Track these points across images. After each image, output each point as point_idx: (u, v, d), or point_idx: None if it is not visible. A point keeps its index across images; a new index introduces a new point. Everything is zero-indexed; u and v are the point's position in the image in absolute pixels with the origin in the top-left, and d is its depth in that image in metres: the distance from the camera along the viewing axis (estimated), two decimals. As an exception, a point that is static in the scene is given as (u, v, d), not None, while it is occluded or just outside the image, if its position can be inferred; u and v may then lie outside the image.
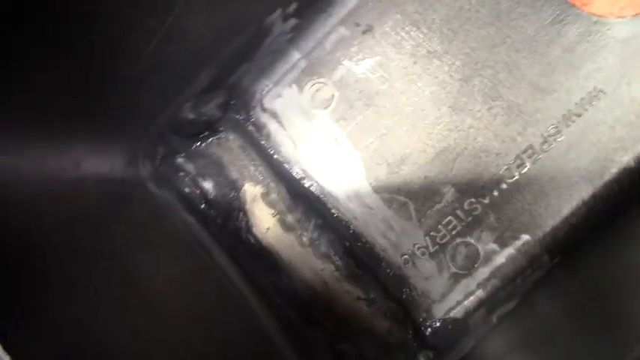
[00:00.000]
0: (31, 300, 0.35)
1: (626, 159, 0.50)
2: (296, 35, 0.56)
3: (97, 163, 0.49)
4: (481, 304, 0.52)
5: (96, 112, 0.45)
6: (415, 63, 0.54)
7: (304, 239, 0.54)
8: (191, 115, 0.55)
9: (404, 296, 0.53)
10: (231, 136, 0.56)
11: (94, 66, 0.42)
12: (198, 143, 0.57)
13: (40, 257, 0.38)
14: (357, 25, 0.55)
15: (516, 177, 0.52)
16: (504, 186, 0.52)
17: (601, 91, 0.51)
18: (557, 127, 0.51)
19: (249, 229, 0.55)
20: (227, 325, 0.49)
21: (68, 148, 0.44)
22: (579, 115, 0.51)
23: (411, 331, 0.52)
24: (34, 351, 0.32)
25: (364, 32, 0.55)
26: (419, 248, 0.53)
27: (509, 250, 0.51)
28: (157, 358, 0.39)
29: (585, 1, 0.51)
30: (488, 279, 0.52)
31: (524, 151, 0.52)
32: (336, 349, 0.53)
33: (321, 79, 0.56)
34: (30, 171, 0.41)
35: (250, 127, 0.56)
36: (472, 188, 0.52)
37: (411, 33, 0.54)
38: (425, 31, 0.54)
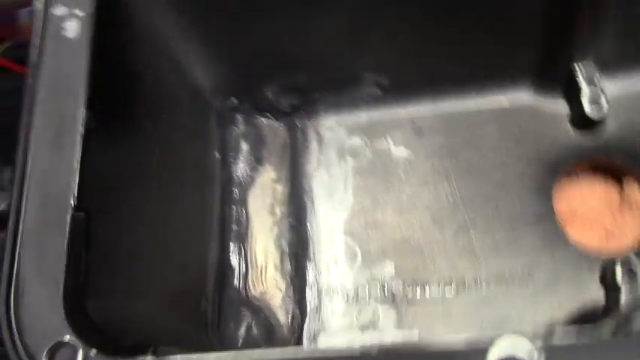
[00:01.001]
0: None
1: None
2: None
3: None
4: None
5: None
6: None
7: (276, 228, 0.67)
8: (270, 96, 0.70)
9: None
10: (282, 128, 0.71)
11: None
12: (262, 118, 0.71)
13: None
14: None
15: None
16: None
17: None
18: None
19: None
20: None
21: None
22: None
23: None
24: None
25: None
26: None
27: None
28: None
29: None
30: None
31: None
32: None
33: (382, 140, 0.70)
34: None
35: (299, 134, 0.71)
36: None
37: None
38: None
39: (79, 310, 0.41)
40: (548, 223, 0.65)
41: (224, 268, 0.64)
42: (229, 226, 0.67)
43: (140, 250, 0.50)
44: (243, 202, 0.68)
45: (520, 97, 0.70)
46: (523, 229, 0.65)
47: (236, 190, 0.68)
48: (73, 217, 0.42)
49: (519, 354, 0.36)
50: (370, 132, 0.71)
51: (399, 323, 0.63)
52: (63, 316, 0.40)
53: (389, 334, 0.63)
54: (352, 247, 0.67)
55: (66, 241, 0.41)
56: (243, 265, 0.66)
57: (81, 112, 0.44)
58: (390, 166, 0.69)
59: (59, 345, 0.39)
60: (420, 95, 0.70)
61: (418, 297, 0.64)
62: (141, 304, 0.49)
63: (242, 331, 0.62)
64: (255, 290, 0.65)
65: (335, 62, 0.66)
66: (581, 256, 0.63)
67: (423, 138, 0.70)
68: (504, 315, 0.62)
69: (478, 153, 0.68)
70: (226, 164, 0.68)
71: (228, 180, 0.68)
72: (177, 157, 0.58)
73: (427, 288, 0.64)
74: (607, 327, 0.38)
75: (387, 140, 0.70)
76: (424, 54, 0.67)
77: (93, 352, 0.39)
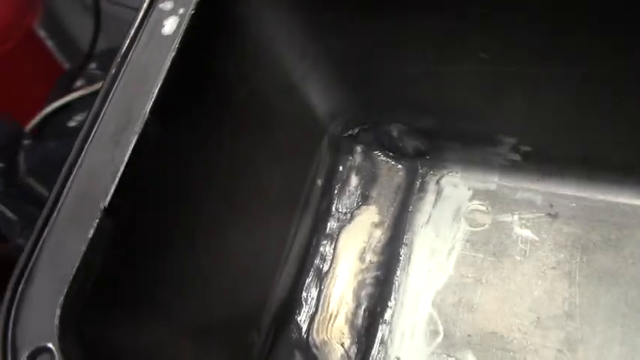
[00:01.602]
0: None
1: None
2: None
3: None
4: None
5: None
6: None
7: (360, 276, 0.61)
8: (394, 134, 0.63)
9: None
10: (401, 171, 0.64)
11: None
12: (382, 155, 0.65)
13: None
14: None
15: None
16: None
17: None
18: None
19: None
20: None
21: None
22: None
23: None
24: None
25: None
26: None
27: None
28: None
29: None
30: None
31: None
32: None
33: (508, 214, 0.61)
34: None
35: (417, 181, 0.64)
36: None
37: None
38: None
39: (74, 322, 0.38)
40: (680, 371, 0.51)
41: (292, 303, 0.60)
42: (312, 260, 0.62)
43: (182, 273, 0.47)
44: (334, 239, 0.63)
45: (692, 207, 0.56)
46: (646, 368, 0.52)
47: (331, 224, 0.63)
48: (100, 221, 0.40)
49: None
50: (497, 201, 0.61)
51: None
52: (56, 323, 0.38)
53: None
54: (436, 323, 0.58)
55: (86, 244, 0.39)
56: (314, 305, 0.60)
57: (144, 114, 0.42)
58: (508, 245, 0.59)
59: (42, 350, 0.37)
60: (566, 175, 0.59)
61: (493, 405, 0.55)
62: (159, 329, 0.45)
63: (288, 375, 0.57)
64: (317, 336, 0.59)
65: (469, 114, 0.58)
66: None
67: (556, 224, 0.59)
68: None
69: (618, 259, 0.56)
70: (328, 194, 0.63)
71: (325, 211, 0.63)
72: (260, 176, 0.55)
73: (506, 398, 0.54)
74: None
75: (513, 215, 0.60)
76: (581, 130, 0.56)
77: (65, 367, 0.36)
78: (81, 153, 0.42)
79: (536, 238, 0.59)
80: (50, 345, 0.37)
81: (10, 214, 0.82)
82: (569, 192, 0.59)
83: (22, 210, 0.82)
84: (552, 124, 0.57)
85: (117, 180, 0.40)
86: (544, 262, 0.58)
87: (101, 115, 0.43)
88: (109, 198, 0.40)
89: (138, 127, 0.42)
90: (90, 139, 0.43)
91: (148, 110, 0.42)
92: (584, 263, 0.57)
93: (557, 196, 0.60)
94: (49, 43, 0.99)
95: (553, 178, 0.60)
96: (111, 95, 0.44)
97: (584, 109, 0.54)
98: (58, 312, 0.38)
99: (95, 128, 0.43)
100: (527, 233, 0.59)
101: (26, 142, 0.86)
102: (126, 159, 0.41)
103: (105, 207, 0.40)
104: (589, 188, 0.59)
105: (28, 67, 0.97)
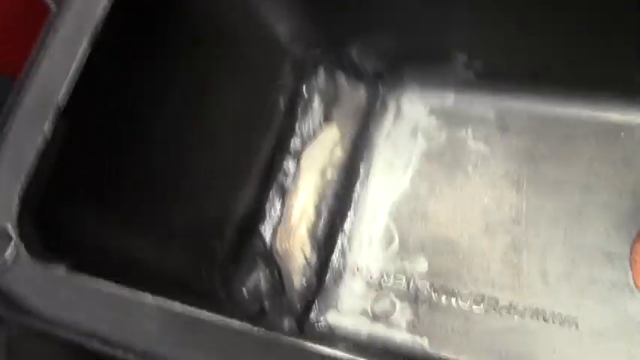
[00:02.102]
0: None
1: None
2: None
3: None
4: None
5: None
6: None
7: (321, 191, 0.64)
8: (355, 54, 0.65)
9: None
10: (362, 91, 0.67)
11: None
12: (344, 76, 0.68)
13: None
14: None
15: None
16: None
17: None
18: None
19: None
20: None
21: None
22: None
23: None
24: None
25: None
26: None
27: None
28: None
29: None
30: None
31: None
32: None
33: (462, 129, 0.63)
34: None
35: (378, 101, 0.66)
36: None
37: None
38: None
39: (32, 208, 0.42)
40: (616, 268, 0.54)
41: (256, 215, 0.63)
42: (275, 176, 0.65)
43: (142, 177, 0.50)
44: (297, 156, 0.65)
45: (636, 118, 0.58)
46: (585, 267, 0.55)
47: (294, 142, 0.66)
48: (56, 119, 0.43)
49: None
50: (452, 117, 0.64)
51: (413, 325, 0.58)
52: (16, 207, 0.41)
53: (398, 333, 0.58)
54: (392, 231, 0.61)
55: (43, 140, 0.42)
56: (276, 217, 0.64)
57: (98, 18, 0.45)
58: (461, 158, 0.62)
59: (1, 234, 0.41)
60: (516, 90, 0.62)
61: (442, 304, 0.58)
62: (121, 225, 0.49)
63: (251, 280, 0.61)
64: (279, 246, 0.63)
65: (424, 31, 0.60)
66: (645, 314, 0.53)
67: (507, 137, 0.61)
68: (530, 354, 0.54)
69: (563, 168, 0.59)
70: (291, 114, 0.66)
71: (288, 130, 0.65)
72: (221, 93, 0.57)
73: (455, 298, 0.57)
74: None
75: (467, 130, 0.63)
76: (530, 45, 0.58)
77: (23, 249, 0.40)
78: (38, 56, 0.45)
79: (488, 150, 0.61)
80: (8, 225, 0.40)
81: None
82: (520, 106, 0.62)
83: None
84: (500, 41, 0.59)
85: (71, 81, 0.43)
86: (494, 172, 0.60)
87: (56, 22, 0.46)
88: (62, 96, 0.43)
89: (91, 31, 0.44)
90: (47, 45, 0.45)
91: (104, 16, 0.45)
92: (532, 173, 0.59)
93: (509, 111, 0.62)
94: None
95: (505, 93, 0.62)
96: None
97: (528, 27, 0.56)
98: (16, 199, 0.41)
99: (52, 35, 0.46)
100: (479, 146, 0.62)
101: None
102: (81, 60, 0.44)
103: (60, 105, 0.43)
104: (539, 102, 0.61)
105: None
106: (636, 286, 0.53)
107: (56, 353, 0.64)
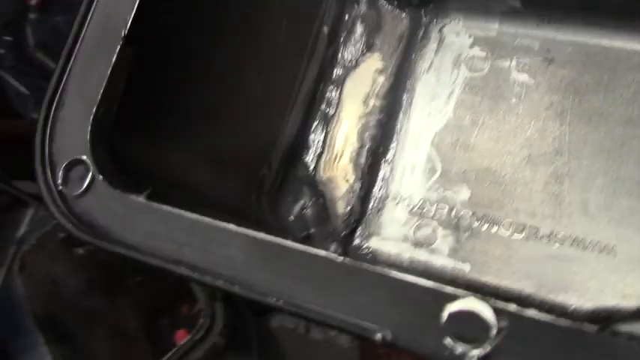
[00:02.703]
0: None
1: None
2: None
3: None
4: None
5: None
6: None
7: (364, 120, 0.65)
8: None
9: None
10: (405, 19, 0.66)
11: None
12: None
13: None
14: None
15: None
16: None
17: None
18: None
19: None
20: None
21: None
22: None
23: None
24: None
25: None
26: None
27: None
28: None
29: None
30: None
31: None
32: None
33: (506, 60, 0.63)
34: None
35: (421, 30, 0.66)
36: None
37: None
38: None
39: (104, 138, 0.43)
40: (655, 200, 0.56)
41: (300, 143, 0.64)
42: (318, 105, 0.65)
43: (199, 105, 0.51)
44: (339, 85, 0.66)
45: (684, 50, 0.58)
46: (625, 198, 0.57)
47: (337, 71, 0.66)
48: (121, 49, 0.43)
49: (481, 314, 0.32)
50: (496, 47, 0.64)
51: (454, 252, 0.60)
52: (87, 137, 0.42)
53: (440, 259, 0.60)
54: (434, 160, 0.63)
55: (109, 69, 0.43)
56: (320, 146, 0.65)
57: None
58: (505, 89, 0.63)
59: (76, 162, 0.42)
60: (564, 20, 0.61)
61: (483, 231, 0.60)
62: (181, 155, 0.50)
63: (297, 207, 0.62)
64: (323, 173, 0.64)
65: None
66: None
67: (552, 68, 0.62)
68: (568, 280, 0.56)
69: (608, 100, 0.59)
70: (334, 42, 0.66)
71: (331, 58, 0.66)
72: (270, 21, 0.57)
73: (496, 226, 0.59)
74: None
75: (511, 60, 0.63)
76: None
77: (100, 177, 0.41)
78: (100, -15, 0.45)
79: (532, 82, 0.62)
80: (84, 157, 0.42)
81: (22, 89, 0.85)
82: (566, 37, 0.62)
83: (35, 85, 0.84)
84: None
85: (135, 9, 0.43)
86: (538, 103, 0.61)
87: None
88: (128, 26, 0.43)
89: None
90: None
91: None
92: (576, 104, 0.60)
93: (555, 42, 0.62)
94: None
95: (551, 24, 0.62)
96: None
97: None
98: (88, 129, 0.42)
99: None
100: (523, 77, 0.62)
101: (32, 16, 0.87)
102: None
103: (125, 35, 0.43)
104: (585, 33, 0.61)
105: None
106: (674, 218, 0.55)
107: (67, 270, 0.67)
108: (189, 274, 0.36)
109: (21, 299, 0.65)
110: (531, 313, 0.32)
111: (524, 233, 0.59)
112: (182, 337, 0.65)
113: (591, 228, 0.57)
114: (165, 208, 0.38)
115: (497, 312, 0.32)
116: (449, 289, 0.34)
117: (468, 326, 0.32)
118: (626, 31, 0.60)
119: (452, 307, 0.33)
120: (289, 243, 0.36)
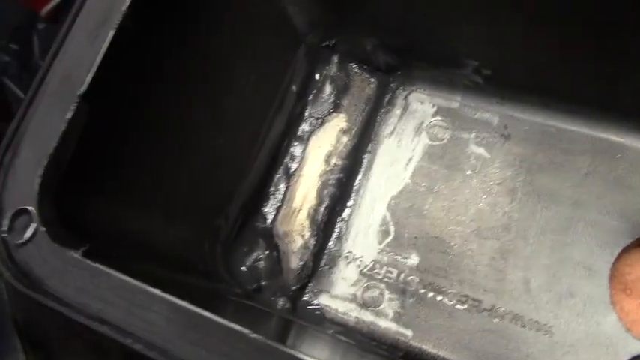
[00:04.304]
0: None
1: None
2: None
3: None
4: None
5: None
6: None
7: (325, 178, 0.67)
8: (369, 48, 0.67)
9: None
10: (373, 83, 0.69)
11: None
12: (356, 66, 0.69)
13: None
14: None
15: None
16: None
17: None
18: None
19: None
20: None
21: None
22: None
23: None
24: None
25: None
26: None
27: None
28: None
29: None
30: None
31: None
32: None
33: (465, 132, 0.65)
34: None
35: (387, 95, 0.68)
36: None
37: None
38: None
39: (53, 191, 0.44)
40: (595, 284, 0.57)
41: (261, 195, 0.66)
42: (282, 159, 0.67)
43: (156, 161, 0.53)
44: (304, 141, 0.68)
45: (633, 141, 0.60)
46: (566, 279, 0.58)
47: (303, 127, 0.68)
48: (78, 107, 0.45)
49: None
50: (457, 119, 0.66)
51: (399, 316, 0.61)
52: (36, 189, 0.44)
53: (384, 321, 0.62)
54: (388, 224, 0.64)
55: (65, 125, 0.44)
56: (280, 199, 0.66)
57: (123, 9, 0.46)
58: (462, 160, 0.64)
59: (22, 212, 0.43)
60: (522, 99, 0.64)
61: (428, 299, 0.61)
62: (132, 208, 0.51)
63: (251, 258, 0.64)
64: (280, 227, 0.66)
65: (437, 36, 0.62)
66: (618, 330, 0.56)
67: (508, 144, 0.64)
68: (505, 356, 0.58)
69: (558, 182, 0.61)
70: (302, 99, 0.68)
71: (298, 115, 0.68)
72: (235, 75, 0.59)
73: (441, 295, 0.61)
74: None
75: (470, 133, 0.65)
76: (536, 59, 0.59)
77: (43, 229, 0.42)
78: (64, 41, 0.47)
79: (488, 156, 0.64)
80: (30, 207, 0.43)
81: (23, 97, 0.87)
82: (524, 116, 0.64)
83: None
84: (509, 52, 0.60)
85: (94, 68, 0.45)
86: (491, 178, 0.63)
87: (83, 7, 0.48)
88: (85, 85, 0.45)
89: (116, 21, 0.46)
90: (71, 30, 0.47)
91: (127, 5, 0.46)
92: (527, 182, 0.62)
93: (513, 119, 0.64)
94: None
95: (511, 101, 0.64)
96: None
97: (537, 41, 0.58)
98: (38, 180, 0.44)
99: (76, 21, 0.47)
100: (480, 150, 0.64)
101: (41, 26, 0.90)
102: (104, 49, 0.46)
103: (82, 93, 0.45)
104: (541, 114, 0.63)
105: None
106: (611, 303, 0.57)
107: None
108: (111, 334, 0.38)
109: (3, 303, 0.66)
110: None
111: (466, 305, 0.60)
112: None
113: (531, 306, 0.58)
114: (97, 265, 0.40)
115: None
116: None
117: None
118: (580, 115, 0.62)
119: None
120: (208, 314, 0.37)
